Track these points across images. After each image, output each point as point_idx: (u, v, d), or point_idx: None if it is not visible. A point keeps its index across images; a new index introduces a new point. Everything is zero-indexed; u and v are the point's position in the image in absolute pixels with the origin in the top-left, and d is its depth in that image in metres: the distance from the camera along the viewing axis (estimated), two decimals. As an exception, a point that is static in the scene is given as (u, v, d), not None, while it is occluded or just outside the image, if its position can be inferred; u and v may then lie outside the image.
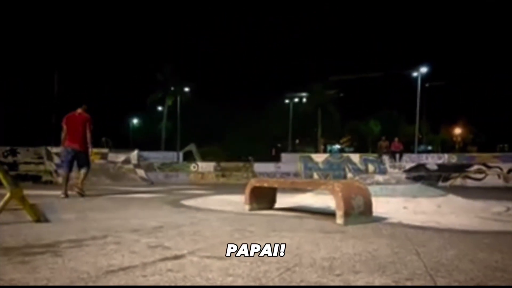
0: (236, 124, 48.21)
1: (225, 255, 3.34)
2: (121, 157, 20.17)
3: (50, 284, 2.51)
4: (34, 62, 30.25)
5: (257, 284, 2.57)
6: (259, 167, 23.02)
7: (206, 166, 22.56)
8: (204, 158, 25.77)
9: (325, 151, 51.81)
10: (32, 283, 2.51)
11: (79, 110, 10.18)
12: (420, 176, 21.25)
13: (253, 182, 6.74)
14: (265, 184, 6.62)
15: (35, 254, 3.33)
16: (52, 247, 3.61)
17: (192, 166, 22.68)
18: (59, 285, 2.50)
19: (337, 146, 60.90)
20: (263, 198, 6.78)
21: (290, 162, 24.43)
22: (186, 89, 46.93)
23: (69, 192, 9.57)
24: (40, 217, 5.31)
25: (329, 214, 5.98)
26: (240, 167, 23.00)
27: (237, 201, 8.01)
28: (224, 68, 49.58)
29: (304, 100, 54.77)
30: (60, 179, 17.79)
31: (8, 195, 5.19)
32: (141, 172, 19.88)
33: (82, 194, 9.63)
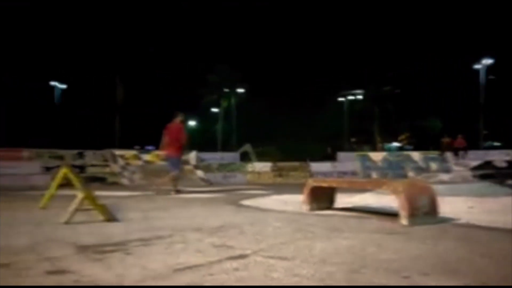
0: (291, 123, 48.09)
1: (288, 256, 3.35)
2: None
3: (126, 280, 2.65)
4: (98, 66, 31.91)
5: (321, 284, 2.55)
6: (315, 166, 22.84)
7: (262, 166, 22.70)
8: (260, 158, 25.93)
9: (382, 149, 50.37)
10: (107, 280, 2.65)
11: (177, 120, 11.33)
12: (487, 174, 20.07)
13: (311, 182, 6.70)
14: (324, 184, 6.56)
15: (108, 252, 3.52)
16: (122, 245, 3.80)
17: (249, 167, 22.90)
18: (128, 285, 2.62)
19: (396, 144, 58.96)
20: (322, 198, 6.72)
21: (347, 161, 24.04)
22: (241, 90, 47.49)
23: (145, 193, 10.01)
24: (109, 217, 5.61)
25: (391, 214, 5.81)
26: (296, 167, 22.93)
27: (296, 201, 7.99)
28: (278, 68, 49.54)
29: (360, 97, 53.61)
30: (125, 181, 18.67)
31: (81, 196, 5.52)
32: (200, 173, 20.38)
33: (176, 191, 10.97)
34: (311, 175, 21.04)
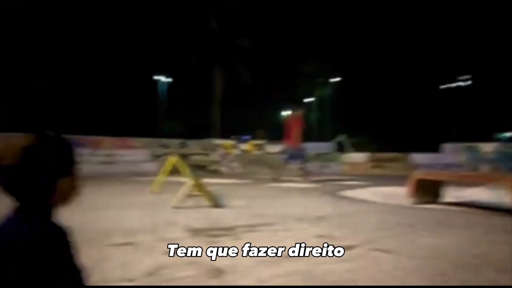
0: (389, 113, 46.12)
1: (393, 249, 3.29)
2: (277, 148, 21.14)
3: (239, 264, 2.81)
4: (198, 59, 33.38)
5: (437, 281, 2.48)
6: (417, 158, 21.68)
7: (359, 157, 22.13)
8: (356, 149, 25.32)
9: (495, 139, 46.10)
10: (221, 263, 2.84)
11: (297, 113, 12.00)
12: None
13: (416, 174, 6.43)
14: (430, 177, 6.26)
15: (218, 236, 3.76)
16: (231, 231, 4.03)
17: (345, 157, 22.51)
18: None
19: (510, 134, 53.59)
20: (427, 191, 6.42)
21: (452, 152, 22.44)
22: (335, 79, 46.64)
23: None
24: (215, 203, 5.95)
25: (504, 211, 5.38)
26: (396, 158, 21.98)
27: (397, 194, 7.73)
28: (374, 56, 47.61)
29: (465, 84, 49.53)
30: (224, 169, 19.49)
31: (190, 183, 5.92)
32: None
33: (305, 180, 11.58)
34: (413, 167, 20.04)
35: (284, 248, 3.27)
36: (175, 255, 3.03)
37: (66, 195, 1.18)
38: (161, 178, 7.96)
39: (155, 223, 4.42)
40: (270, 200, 7.03)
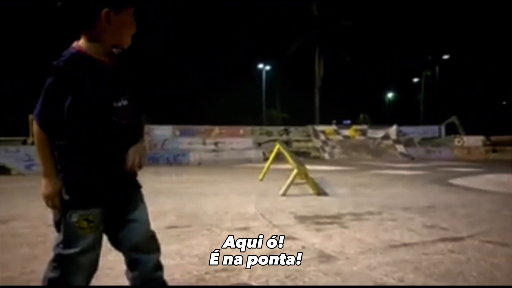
0: (506, 90, 41.72)
1: (510, 242, 3.17)
2: (380, 133, 20.55)
3: (346, 250, 2.97)
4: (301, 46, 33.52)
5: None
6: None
7: (473, 140, 20.57)
8: (468, 131, 23.49)
9: None
10: (330, 249, 3.02)
11: None
12: None
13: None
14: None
15: (325, 224, 3.94)
16: (336, 219, 4.18)
17: (457, 141, 21.06)
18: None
19: None
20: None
21: None
22: (445, 57, 43.39)
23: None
24: (319, 191, 6.13)
25: None
26: (516, 141, 20.03)
27: (516, 182, 7.19)
28: (488, 34, 43.24)
29: None
30: (326, 155, 19.49)
31: (295, 171, 6.17)
32: (400, 148, 19.78)
33: None
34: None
35: (391, 237, 3.35)
36: (285, 241, 3.28)
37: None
38: (268, 165, 8.33)
39: (266, 210, 4.73)
40: (375, 188, 7.00)
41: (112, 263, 2.49)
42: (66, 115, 1.45)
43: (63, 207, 1.49)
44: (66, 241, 1.50)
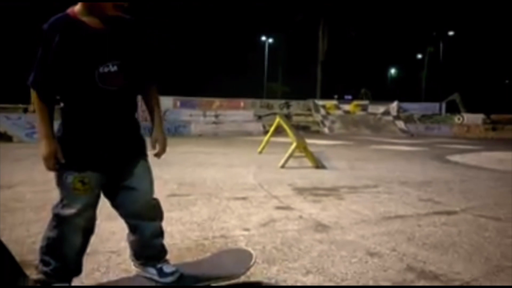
0: (509, 68, 41.32)
1: (502, 217, 3.25)
2: (381, 109, 20.51)
3: (341, 221, 3.05)
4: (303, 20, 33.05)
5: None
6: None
7: (473, 118, 20.56)
8: (469, 109, 23.45)
9: None
10: (326, 220, 3.10)
11: None
12: None
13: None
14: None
15: (322, 196, 4.02)
16: (333, 191, 4.26)
17: (457, 118, 21.04)
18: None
19: None
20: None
21: None
22: (450, 33, 42.83)
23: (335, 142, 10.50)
24: (318, 164, 6.20)
25: None
26: (515, 120, 20.03)
27: (513, 160, 7.26)
28: (493, 12, 42.38)
29: None
30: (325, 130, 19.52)
31: (294, 144, 6.22)
32: (400, 124, 19.78)
33: None
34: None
35: (386, 209, 3.43)
36: (283, 211, 3.36)
37: None
38: (267, 138, 8.38)
39: (265, 181, 4.81)
40: (373, 162, 7.07)
41: (114, 228, 2.57)
42: (55, 78, 1.48)
43: (60, 168, 1.54)
44: (63, 202, 1.58)
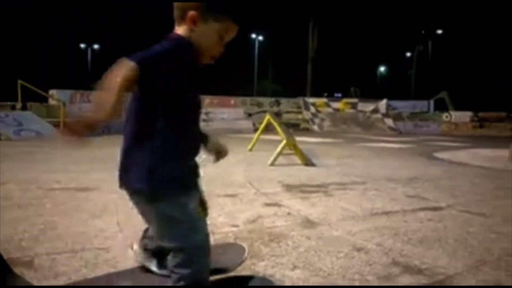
0: (496, 68, 41.81)
1: (487, 213, 3.31)
2: (370, 107, 20.64)
3: (329, 217, 3.09)
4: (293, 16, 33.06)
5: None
6: (528, 117, 19.79)
7: (460, 116, 20.80)
8: (457, 107, 23.72)
9: None
10: (314, 216, 3.13)
11: None
12: None
13: (520, 137, 6.07)
14: (537, 140, 5.87)
15: (310, 192, 4.05)
16: (322, 188, 4.30)
17: (445, 116, 21.27)
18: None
19: None
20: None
21: None
22: (439, 31, 43.20)
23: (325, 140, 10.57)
24: (307, 161, 6.23)
25: None
26: (502, 117, 20.32)
27: (499, 157, 7.36)
28: (482, 10, 42.79)
29: None
30: (315, 127, 19.58)
31: (284, 142, 6.25)
32: (389, 122, 19.94)
33: None
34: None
35: (373, 206, 3.47)
36: (272, 207, 3.39)
37: None
38: (257, 136, 8.40)
39: (254, 178, 4.83)
40: (362, 160, 7.13)
41: (102, 225, 2.58)
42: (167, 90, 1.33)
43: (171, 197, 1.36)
44: (190, 231, 1.40)
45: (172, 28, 1.48)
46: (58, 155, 6.31)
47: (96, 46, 42.10)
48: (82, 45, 42.08)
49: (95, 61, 40.53)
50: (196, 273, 1.42)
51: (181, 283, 1.41)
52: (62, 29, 37.05)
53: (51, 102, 14.52)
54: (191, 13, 1.39)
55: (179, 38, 1.42)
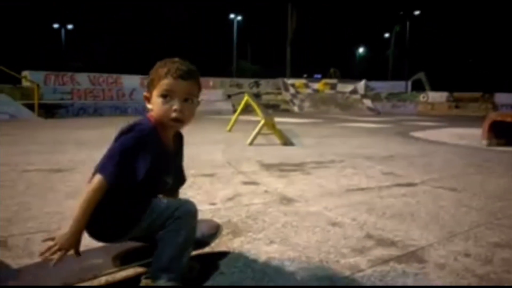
0: (473, 49, 42.49)
1: (459, 188, 3.41)
2: (349, 87, 20.82)
3: (306, 194, 3.13)
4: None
5: (504, 222, 2.62)
6: (502, 97, 20.29)
7: (437, 96, 21.18)
8: (434, 88, 24.09)
9: None
10: (291, 193, 3.17)
11: None
12: None
13: (493, 116, 6.24)
14: (509, 119, 6.03)
15: (288, 171, 4.09)
16: (300, 166, 4.34)
17: (422, 96, 21.63)
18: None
19: None
20: (504, 134, 6.22)
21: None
22: (416, 13, 43.49)
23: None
24: (286, 141, 6.27)
25: None
26: (477, 97, 20.77)
27: (472, 135, 7.54)
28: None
29: None
30: (295, 108, 19.63)
31: (262, 122, 6.26)
32: (368, 102, 20.17)
33: None
34: (495, 107, 18.88)
35: (350, 183, 3.53)
36: (249, 186, 3.41)
37: None
38: (235, 117, 8.39)
39: (233, 158, 4.84)
40: (340, 139, 7.21)
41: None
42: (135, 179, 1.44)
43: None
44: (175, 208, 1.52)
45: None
46: (24, 135, 6.18)
47: (70, 27, 40.93)
48: (56, 25, 40.86)
49: (69, 41, 39.50)
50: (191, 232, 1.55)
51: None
52: (35, 9, 35.89)
53: (25, 83, 14.14)
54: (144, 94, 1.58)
55: (142, 126, 1.49)
